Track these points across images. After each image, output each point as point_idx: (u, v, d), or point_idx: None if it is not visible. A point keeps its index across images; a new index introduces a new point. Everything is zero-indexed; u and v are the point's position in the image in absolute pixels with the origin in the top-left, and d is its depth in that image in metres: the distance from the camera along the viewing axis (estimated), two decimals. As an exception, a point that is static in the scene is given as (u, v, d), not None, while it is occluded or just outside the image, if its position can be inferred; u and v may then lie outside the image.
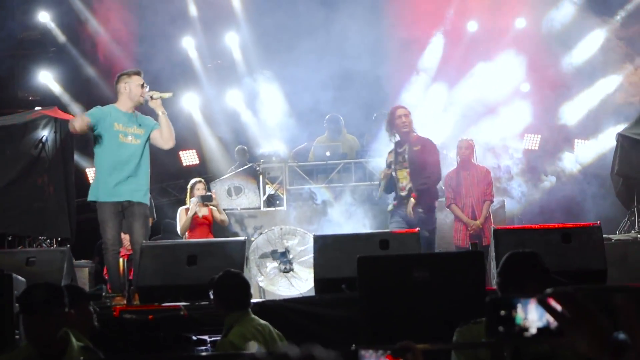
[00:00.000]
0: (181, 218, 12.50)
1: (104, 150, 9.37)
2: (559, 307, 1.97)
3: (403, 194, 10.86)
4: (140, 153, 9.53)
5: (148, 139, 9.62)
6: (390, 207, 11.11)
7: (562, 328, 1.97)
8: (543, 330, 2.01)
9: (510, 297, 2.06)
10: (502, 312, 2.05)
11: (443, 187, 12.40)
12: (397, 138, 11.17)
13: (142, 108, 9.88)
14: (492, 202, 12.29)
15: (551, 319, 2.00)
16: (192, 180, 12.85)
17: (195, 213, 12.36)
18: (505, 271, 4.98)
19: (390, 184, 11.05)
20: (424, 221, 10.52)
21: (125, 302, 8.69)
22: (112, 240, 9.27)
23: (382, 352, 2.71)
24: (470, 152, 12.39)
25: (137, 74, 9.69)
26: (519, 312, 2.04)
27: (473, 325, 4.90)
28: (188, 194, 12.68)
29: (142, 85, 9.61)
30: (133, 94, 9.56)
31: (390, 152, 11.28)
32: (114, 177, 9.32)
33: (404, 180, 10.90)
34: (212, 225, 12.62)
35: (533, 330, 2.02)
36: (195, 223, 12.38)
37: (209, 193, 12.50)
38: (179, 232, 12.51)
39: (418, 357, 2.80)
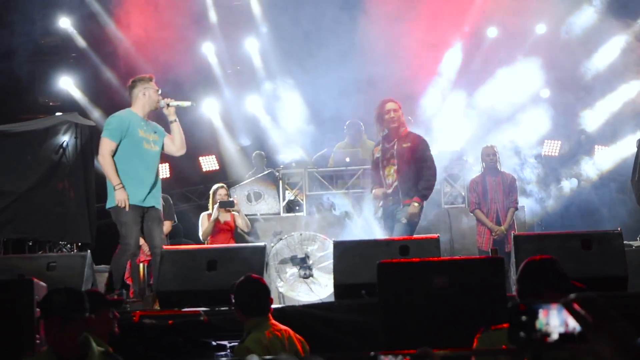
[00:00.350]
0: (203, 223, 12.55)
1: (129, 156, 9.31)
2: (582, 312, 1.97)
3: (389, 191, 10.56)
4: (158, 159, 9.64)
5: (162, 145, 9.62)
6: (380, 214, 10.77)
7: (585, 333, 1.96)
8: (565, 336, 2.01)
9: (533, 303, 2.06)
10: (524, 318, 2.05)
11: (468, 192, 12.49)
12: (386, 132, 10.77)
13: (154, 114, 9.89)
14: (516, 209, 12.34)
15: (573, 325, 2.00)
16: (215, 186, 12.89)
17: (217, 219, 12.39)
18: (522, 278, 4.96)
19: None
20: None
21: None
22: (134, 244, 9.24)
23: (401, 357, 2.71)
24: (496, 158, 12.43)
25: (153, 79, 9.67)
26: (541, 318, 2.04)
27: (493, 332, 4.87)
28: (210, 200, 12.72)
29: (158, 91, 9.59)
30: (152, 100, 9.55)
31: (377, 147, 10.95)
32: (139, 183, 9.31)
33: (390, 177, 10.57)
34: (234, 231, 12.64)
35: (555, 336, 2.02)
36: (217, 229, 12.41)
37: (231, 199, 12.52)
38: (200, 238, 12.53)
39: None
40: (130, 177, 9.28)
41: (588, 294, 1.99)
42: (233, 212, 12.54)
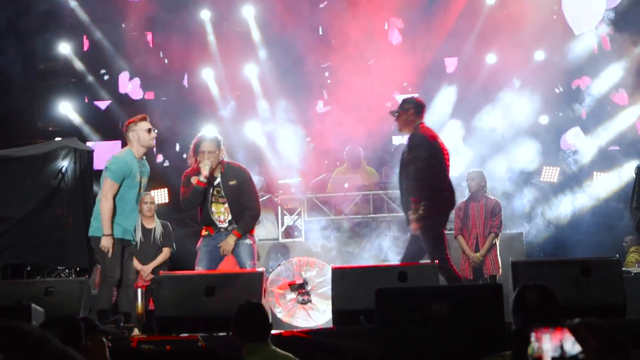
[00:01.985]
0: None
1: (127, 196, 9.62)
2: (587, 337, 1.97)
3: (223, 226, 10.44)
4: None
5: None
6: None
7: (589, 357, 1.97)
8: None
9: (534, 327, 2.07)
10: (528, 342, 2.06)
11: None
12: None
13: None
14: (496, 234, 12.24)
15: (577, 349, 2.00)
16: None
17: None
18: (516, 305, 4.97)
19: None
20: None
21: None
22: (118, 277, 9.50)
23: None
24: (479, 183, 12.40)
25: (143, 119, 9.86)
26: (544, 343, 2.04)
27: (493, 358, 4.87)
28: None
29: (149, 130, 9.78)
30: (142, 140, 9.75)
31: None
32: (131, 221, 9.72)
33: (221, 214, 10.44)
34: None
35: (549, 357, 2.02)
36: None
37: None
38: None
39: None
40: (125, 215, 9.58)
41: (593, 319, 1.99)
42: None
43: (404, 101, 10.47)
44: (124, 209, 9.55)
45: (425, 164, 9.83)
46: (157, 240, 12.36)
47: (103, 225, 9.41)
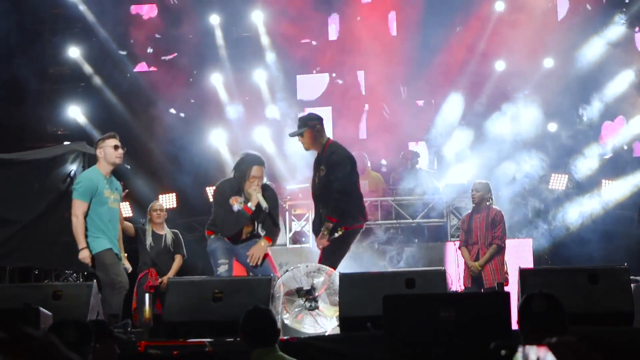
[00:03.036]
0: None
1: (100, 215, 9.78)
2: (565, 355, 1.99)
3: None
4: (119, 216, 10.30)
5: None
6: None
7: None
8: None
9: (515, 343, 2.08)
10: (503, 352, 2.08)
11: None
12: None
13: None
14: (498, 245, 12.13)
15: None
16: None
17: None
18: (522, 312, 4.98)
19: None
20: None
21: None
22: (127, 281, 9.80)
23: None
24: (483, 195, 12.35)
25: (112, 137, 10.01)
26: (519, 357, 2.06)
27: None
28: None
29: (116, 147, 9.91)
30: (108, 157, 9.89)
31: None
32: (107, 233, 9.82)
33: (245, 234, 10.20)
34: None
35: None
36: None
37: None
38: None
39: None
40: (104, 230, 9.77)
41: (570, 338, 2.02)
42: None
43: (308, 118, 10.29)
44: (100, 225, 9.74)
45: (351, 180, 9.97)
46: (168, 246, 12.38)
47: (77, 241, 9.66)
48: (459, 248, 12.46)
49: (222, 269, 9.83)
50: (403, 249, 14.09)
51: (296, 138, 10.22)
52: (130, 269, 10.29)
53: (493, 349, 2.06)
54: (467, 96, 17.88)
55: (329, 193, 9.85)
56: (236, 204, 9.95)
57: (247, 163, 10.02)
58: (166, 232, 12.46)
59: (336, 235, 9.75)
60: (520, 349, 2.06)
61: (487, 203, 12.35)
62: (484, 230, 12.12)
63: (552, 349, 2.01)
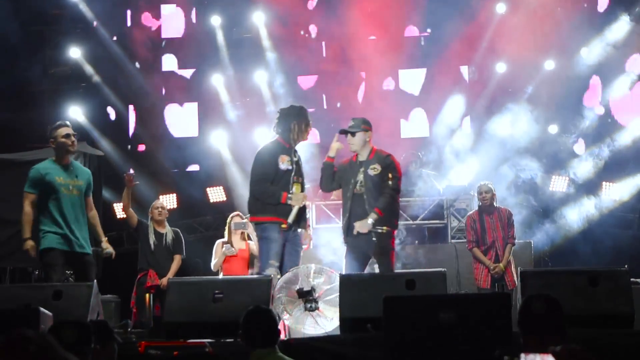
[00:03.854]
0: (217, 251, 12.46)
1: (49, 205, 9.71)
2: None
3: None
4: (83, 204, 10.00)
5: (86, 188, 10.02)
6: None
7: None
8: None
9: (518, 350, 2.09)
10: (506, 358, 2.09)
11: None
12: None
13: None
14: (514, 244, 12.21)
15: None
16: (231, 215, 12.82)
17: (231, 247, 12.33)
18: (522, 314, 4.98)
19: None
20: None
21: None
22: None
23: None
24: (492, 196, 12.35)
25: (62, 126, 9.94)
26: None
27: None
28: (227, 228, 12.62)
29: (67, 135, 9.82)
30: (60, 146, 9.84)
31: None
32: (64, 231, 9.68)
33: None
34: (250, 260, 12.54)
35: None
36: (231, 257, 12.30)
37: (243, 220, 12.42)
38: (212, 267, 12.44)
39: None
40: (54, 225, 9.66)
41: (574, 347, 2.03)
42: (247, 234, 12.42)
43: (363, 121, 10.30)
44: (55, 215, 9.66)
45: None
46: (168, 244, 12.32)
47: (23, 232, 9.69)
48: (471, 249, 12.36)
49: (269, 271, 9.76)
50: (403, 250, 14.06)
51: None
52: (112, 252, 10.19)
53: (496, 356, 2.07)
54: (468, 98, 17.87)
55: (377, 191, 9.99)
56: (285, 162, 9.93)
57: (301, 114, 10.12)
58: (167, 230, 12.42)
59: (379, 230, 9.86)
60: (523, 356, 2.07)
61: (495, 204, 12.37)
62: (500, 230, 12.11)
63: (556, 356, 2.02)
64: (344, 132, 10.25)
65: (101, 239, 10.09)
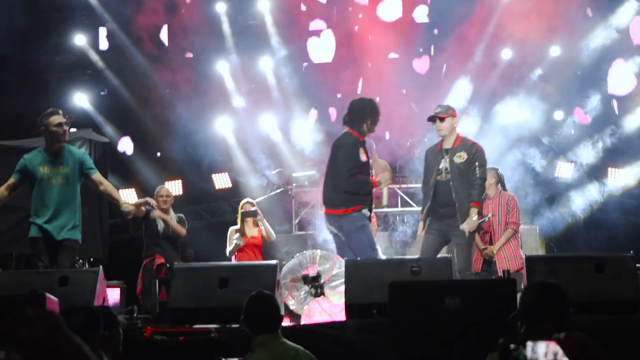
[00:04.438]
0: (230, 238, 12.48)
1: (35, 194, 9.82)
2: (573, 351, 1.99)
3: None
4: (69, 192, 9.92)
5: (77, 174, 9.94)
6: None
7: None
8: None
9: (522, 339, 2.08)
10: (515, 354, 2.07)
11: None
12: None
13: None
14: (514, 230, 12.12)
15: None
16: (243, 201, 12.83)
17: (244, 234, 12.35)
18: (523, 302, 4.99)
19: None
20: None
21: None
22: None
23: None
24: (495, 181, 12.27)
25: (54, 114, 9.88)
26: (531, 355, 2.05)
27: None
28: (239, 215, 12.64)
29: (59, 124, 9.77)
30: (51, 134, 9.80)
31: None
32: (47, 219, 9.75)
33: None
34: (263, 247, 12.56)
35: None
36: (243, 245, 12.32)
37: (253, 209, 12.44)
38: (227, 254, 12.45)
39: None
40: (38, 214, 9.77)
41: (579, 335, 2.02)
42: (258, 220, 12.43)
43: (451, 107, 10.52)
44: (37, 204, 9.76)
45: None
46: (173, 231, 12.30)
47: None
48: None
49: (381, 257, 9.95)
50: (409, 236, 14.06)
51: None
52: (131, 210, 10.12)
53: (501, 344, 2.06)
54: (474, 84, 17.84)
55: (463, 179, 10.19)
56: (363, 154, 10.01)
57: (374, 110, 10.18)
58: (172, 217, 12.42)
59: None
60: (529, 344, 2.06)
61: (499, 188, 12.27)
62: (498, 216, 12.03)
63: (560, 344, 2.01)
64: (432, 118, 10.38)
65: (119, 202, 10.01)
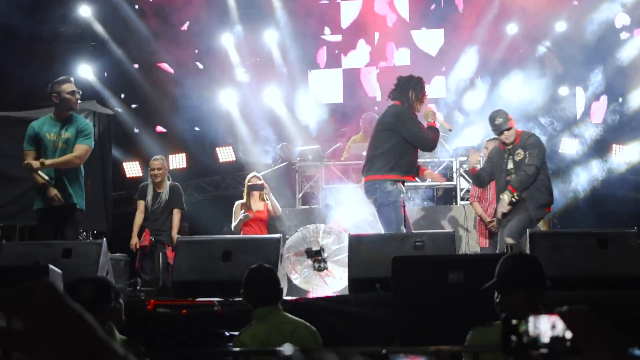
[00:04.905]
0: (236, 212, 12.42)
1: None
2: (576, 324, 1.99)
3: None
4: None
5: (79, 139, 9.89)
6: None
7: (579, 344, 1.98)
8: (558, 348, 2.02)
9: (525, 314, 2.07)
10: (517, 328, 2.06)
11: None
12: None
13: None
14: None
15: (567, 336, 2.00)
16: (249, 175, 12.77)
17: (250, 208, 12.29)
18: (498, 271, 5.02)
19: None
20: None
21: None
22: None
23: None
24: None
25: (67, 81, 9.90)
26: (534, 329, 2.04)
27: (483, 328, 5.04)
28: (245, 189, 12.59)
29: (72, 92, 9.78)
30: (64, 102, 9.79)
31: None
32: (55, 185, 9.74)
33: None
34: (268, 221, 12.53)
35: (547, 348, 2.03)
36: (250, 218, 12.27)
37: (260, 182, 12.39)
38: (232, 228, 12.41)
39: None
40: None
41: (582, 307, 2.01)
42: (264, 194, 12.37)
43: (505, 114, 10.57)
44: (46, 173, 9.69)
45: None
46: (163, 202, 12.18)
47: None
48: (472, 204, 12.33)
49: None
50: (412, 211, 14.05)
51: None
52: (41, 181, 9.84)
53: (504, 319, 2.05)
54: (480, 59, 17.80)
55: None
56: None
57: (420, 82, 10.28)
58: (164, 188, 12.31)
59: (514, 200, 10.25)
60: (530, 319, 2.05)
61: None
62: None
63: (562, 318, 2.01)
64: (501, 131, 10.50)
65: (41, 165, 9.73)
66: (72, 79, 10.03)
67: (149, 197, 12.18)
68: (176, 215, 12.19)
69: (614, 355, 1.94)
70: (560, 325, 1.99)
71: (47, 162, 9.61)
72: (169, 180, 12.38)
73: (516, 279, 4.88)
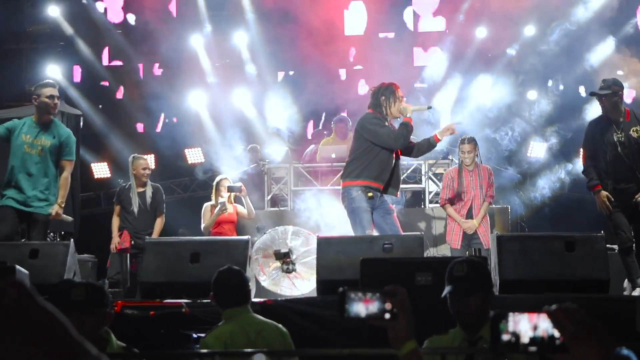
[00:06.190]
0: (205, 214, 12.37)
1: (12, 160, 9.79)
2: (565, 322, 1.99)
3: None
4: (46, 165, 9.88)
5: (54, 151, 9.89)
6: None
7: (566, 342, 1.99)
8: (546, 346, 2.03)
9: (512, 311, 2.08)
10: (505, 326, 2.07)
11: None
12: None
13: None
14: (491, 203, 11.99)
15: (555, 334, 2.01)
16: (218, 177, 12.70)
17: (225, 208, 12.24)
18: (452, 277, 5.08)
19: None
20: None
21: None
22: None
23: (371, 294, 2.74)
24: (473, 152, 11.98)
25: (48, 86, 9.92)
26: (522, 327, 2.05)
27: (437, 337, 5.21)
28: (214, 191, 12.52)
29: (51, 97, 9.79)
30: (42, 106, 9.80)
31: None
32: (20, 187, 9.74)
33: None
34: (237, 223, 12.50)
35: (535, 346, 2.04)
36: (219, 220, 12.24)
37: (238, 183, 12.35)
38: (202, 230, 12.35)
39: (405, 302, 2.85)
40: (11, 180, 9.72)
41: (570, 305, 2.02)
42: (241, 196, 12.31)
43: (614, 82, 9.85)
44: (13, 168, 9.75)
45: None
46: (147, 203, 12.12)
47: None
48: (443, 206, 12.06)
49: None
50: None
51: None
52: (52, 213, 9.82)
53: (493, 317, 2.06)
54: (450, 60, 17.86)
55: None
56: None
57: (390, 87, 10.07)
58: (147, 188, 12.26)
59: None
60: (510, 317, 2.06)
61: (476, 160, 11.98)
62: (478, 188, 11.79)
63: (551, 316, 2.02)
64: (594, 94, 9.97)
65: (57, 200, 9.87)
66: (54, 83, 10.05)
67: (135, 197, 12.08)
68: (159, 220, 12.14)
69: (602, 354, 1.95)
70: (546, 323, 2.00)
71: (59, 201, 9.79)
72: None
73: (473, 283, 4.94)
